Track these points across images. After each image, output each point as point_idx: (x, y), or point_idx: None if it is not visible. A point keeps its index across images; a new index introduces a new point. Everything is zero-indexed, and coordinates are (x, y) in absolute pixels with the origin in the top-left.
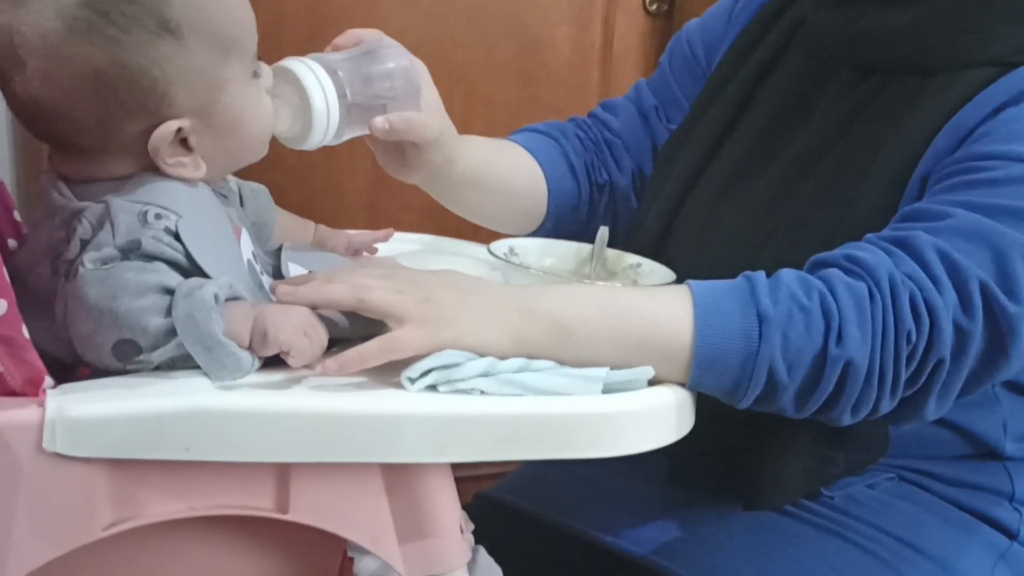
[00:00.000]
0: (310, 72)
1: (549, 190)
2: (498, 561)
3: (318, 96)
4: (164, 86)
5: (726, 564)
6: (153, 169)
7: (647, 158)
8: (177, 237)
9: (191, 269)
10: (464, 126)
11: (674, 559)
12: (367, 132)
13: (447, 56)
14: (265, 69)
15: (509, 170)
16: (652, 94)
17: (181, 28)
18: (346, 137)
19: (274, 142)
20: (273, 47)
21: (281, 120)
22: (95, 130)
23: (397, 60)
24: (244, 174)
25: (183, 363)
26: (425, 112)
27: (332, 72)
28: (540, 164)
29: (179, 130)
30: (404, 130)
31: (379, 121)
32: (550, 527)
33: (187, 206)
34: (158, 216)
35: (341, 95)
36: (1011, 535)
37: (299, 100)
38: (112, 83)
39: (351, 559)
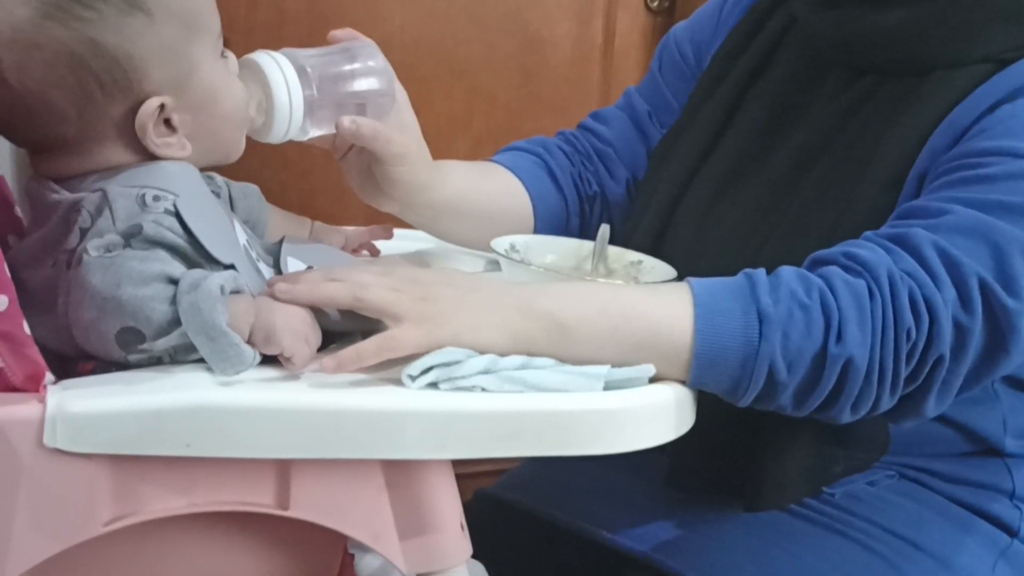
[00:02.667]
0: (275, 65)
1: (535, 208)
2: (498, 558)
3: (281, 89)
4: (139, 62)
5: (726, 561)
6: (141, 158)
7: (642, 165)
8: (177, 217)
9: (193, 253)
10: (465, 123)
11: (674, 556)
12: (335, 131)
13: (448, 53)
14: (230, 55)
15: (491, 194)
16: (644, 100)
17: (148, 4)
18: (313, 133)
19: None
20: (274, 44)
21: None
22: (77, 119)
23: (373, 60)
24: (246, 169)
25: (184, 354)
26: (394, 127)
27: (300, 67)
28: (523, 182)
29: (162, 108)
30: (369, 136)
31: (346, 121)
32: (550, 524)
33: (183, 186)
34: (156, 198)
35: (307, 90)
36: (1012, 532)
37: (264, 93)
38: (88, 64)
39: (352, 556)
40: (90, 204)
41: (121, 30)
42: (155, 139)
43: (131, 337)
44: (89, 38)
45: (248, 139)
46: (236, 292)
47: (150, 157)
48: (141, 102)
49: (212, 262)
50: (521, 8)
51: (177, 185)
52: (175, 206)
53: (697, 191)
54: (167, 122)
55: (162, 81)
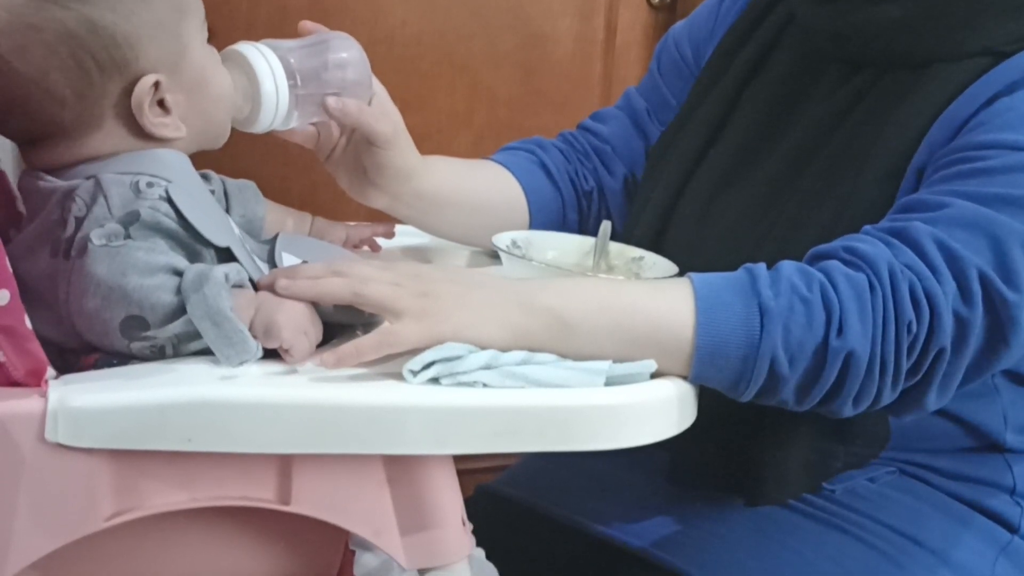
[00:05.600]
0: (261, 56)
1: (528, 201)
2: (499, 554)
3: (267, 80)
4: (135, 40)
5: (727, 557)
6: (134, 143)
7: (640, 162)
8: (170, 202)
9: (188, 238)
10: (466, 119)
11: (675, 552)
12: (318, 119)
13: (449, 49)
14: (212, 47)
15: (482, 186)
16: (643, 98)
17: None
18: (295, 123)
19: (270, 136)
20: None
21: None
22: (75, 102)
23: (350, 51)
24: (247, 164)
25: (187, 343)
26: (378, 112)
27: (283, 58)
28: (515, 176)
29: (156, 87)
30: (355, 114)
31: (332, 100)
32: (551, 520)
33: (176, 173)
34: (149, 184)
35: (291, 80)
36: (1012, 529)
37: (249, 83)
38: (85, 43)
39: (353, 553)
40: (84, 192)
41: (116, 8)
42: (152, 118)
43: (135, 325)
44: (86, 17)
45: (249, 136)
46: (238, 286)
47: (143, 143)
48: (136, 80)
49: (207, 245)
50: (523, 4)
51: (169, 171)
52: (167, 192)
53: (697, 188)
54: (161, 103)
55: (157, 59)
